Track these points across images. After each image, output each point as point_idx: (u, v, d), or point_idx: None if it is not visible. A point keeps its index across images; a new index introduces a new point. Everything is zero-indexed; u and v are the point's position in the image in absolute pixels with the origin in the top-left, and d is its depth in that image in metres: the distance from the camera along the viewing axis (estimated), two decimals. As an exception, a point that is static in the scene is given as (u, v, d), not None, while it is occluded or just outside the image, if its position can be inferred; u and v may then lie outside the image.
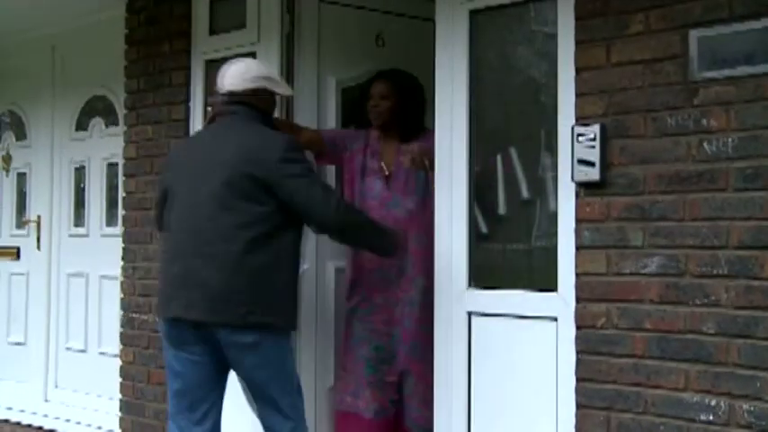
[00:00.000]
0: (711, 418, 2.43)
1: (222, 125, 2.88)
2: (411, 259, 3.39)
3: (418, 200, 3.43)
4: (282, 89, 3.02)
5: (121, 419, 4.21)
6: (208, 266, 2.67)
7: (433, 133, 3.35)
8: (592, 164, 2.63)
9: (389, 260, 3.28)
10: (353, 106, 3.67)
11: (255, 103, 2.88)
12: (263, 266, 2.67)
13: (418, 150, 3.33)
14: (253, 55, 3.68)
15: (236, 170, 2.70)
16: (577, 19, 2.71)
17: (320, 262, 3.62)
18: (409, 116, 3.50)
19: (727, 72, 2.43)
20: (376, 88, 3.51)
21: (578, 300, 2.68)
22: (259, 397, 2.80)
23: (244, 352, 2.69)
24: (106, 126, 4.64)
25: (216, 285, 2.65)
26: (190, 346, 2.74)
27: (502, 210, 2.99)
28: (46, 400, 4.84)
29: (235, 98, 2.86)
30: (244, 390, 2.89)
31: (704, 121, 2.47)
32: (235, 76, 2.88)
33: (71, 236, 4.79)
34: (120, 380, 4.22)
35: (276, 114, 3.57)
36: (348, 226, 2.85)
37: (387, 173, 3.48)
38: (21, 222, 5.10)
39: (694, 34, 2.49)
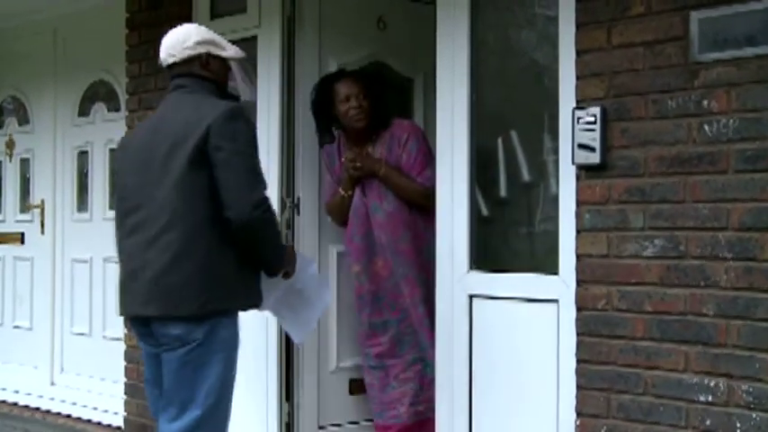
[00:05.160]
0: (710, 398, 2.44)
1: (167, 103, 2.57)
2: (404, 260, 3.37)
3: (393, 199, 3.39)
4: (231, 52, 2.65)
5: (126, 402, 4.25)
6: (155, 260, 2.41)
7: (399, 122, 3.34)
8: (592, 147, 2.63)
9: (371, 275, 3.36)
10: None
11: (201, 72, 2.56)
12: (206, 254, 2.42)
13: (367, 160, 3.34)
14: (254, 39, 3.68)
15: (176, 148, 2.40)
16: (578, 1, 2.69)
17: (322, 246, 3.63)
18: (381, 111, 3.38)
19: (728, 53, 2.42)
20: (352, 89, 3.34)
21: (579, 282, 2.69)
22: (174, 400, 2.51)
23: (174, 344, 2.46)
24: (108, 111, 4.65)
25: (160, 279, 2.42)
26: (146, 337, 2.56)
27: (503, 193, 2.99)
28: (52, 384, 4.87)
29: (178, 70, 2.56)
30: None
31: (705, 103, 2.46)
32: (174, 47, 2.55)
33: (74, 220, 4.80)
34: (124, 363, 4.25)
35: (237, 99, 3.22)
36: (260, 227, 2.45)
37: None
38: (25, 207, 5.12)
39: (695, 16, 2.48)
